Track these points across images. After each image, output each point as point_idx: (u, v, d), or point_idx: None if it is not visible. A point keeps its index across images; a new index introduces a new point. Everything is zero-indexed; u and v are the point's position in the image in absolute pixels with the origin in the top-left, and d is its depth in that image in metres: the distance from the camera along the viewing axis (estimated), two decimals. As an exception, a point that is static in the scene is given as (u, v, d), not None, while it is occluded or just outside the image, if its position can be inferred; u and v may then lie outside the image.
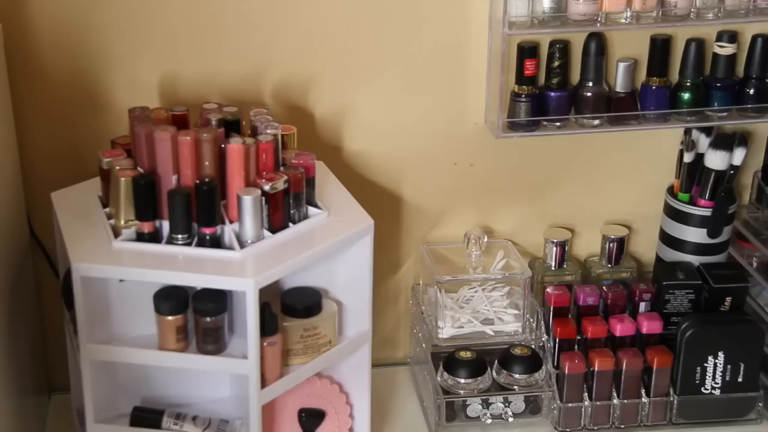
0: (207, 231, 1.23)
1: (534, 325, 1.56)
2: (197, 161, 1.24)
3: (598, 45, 1.51)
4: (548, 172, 1.64)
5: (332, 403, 1.42)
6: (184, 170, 1.23)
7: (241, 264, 1.21)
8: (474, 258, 1.60)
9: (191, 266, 1.21)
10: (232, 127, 1.32)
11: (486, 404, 1.52)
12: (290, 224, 1.28)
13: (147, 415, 1.32)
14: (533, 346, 1.55)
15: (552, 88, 1.52)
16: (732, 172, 1.57)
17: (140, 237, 1.24)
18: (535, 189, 1.64)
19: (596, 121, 1.54)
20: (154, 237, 1.24)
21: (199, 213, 1.23)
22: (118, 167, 1.24)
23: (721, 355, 1.50)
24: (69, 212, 1.30)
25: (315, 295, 1.34)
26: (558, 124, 1.54)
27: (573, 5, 1.44)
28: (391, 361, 1.72)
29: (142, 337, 1.28)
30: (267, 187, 1.24)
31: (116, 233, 1.24)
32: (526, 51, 1.49)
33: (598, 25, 1.47)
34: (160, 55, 1.46)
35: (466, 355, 1.54)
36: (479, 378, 1.53)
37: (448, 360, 1.54)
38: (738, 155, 1.56)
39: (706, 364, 1.51)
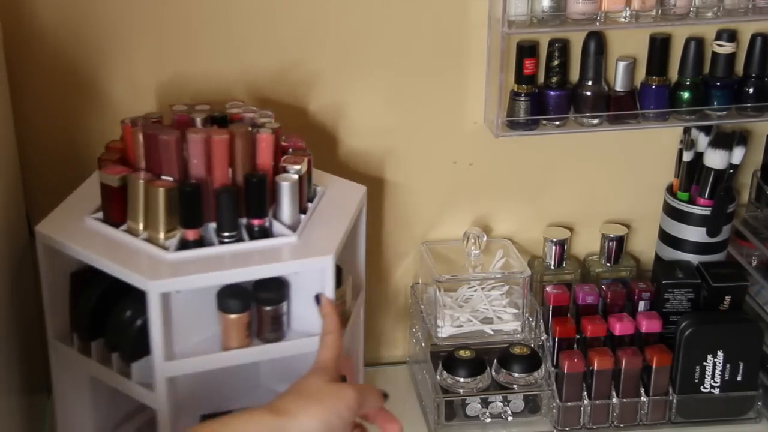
0: (256, 222, 1.24)
1: (533, 324, 1.56)
2: (236, 157, 1.23)
3: (597, 44, 1.51)
4: (547, 171, 1.64)
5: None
6: (220, 168, 1.23)
7: (305, 246, 1.24)
8: (473, 257, 1.60)
9: (260, 259, 1.21)
10: (221, 122, 1.32)
11: (485, 403, 1.52)
12: (308, 204, 1.33)
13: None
14: (532, 345, 1.55)
15: (551, 87, 1.52)
16: (731, 171, 1.57)
17: (186, 245, 1.22)
18: (534, 188, 1.64)
19: (595, 120, 1.54)
20: (200, 242, 1.23)
21: (249, 206, 1.24)
22: (142, 180, 1.21)
23: (720, 354, 1.50)
24: (83, 241, 1.24)
25: (337, 268, 1.33)
26: (557, 123, 1.54)
27: (572, 4, 1.44)
28: (390, 360, 1.72)
29: (199, 344, 1.27)
30: (293, 171, 1.27)
31: (155, 246, 1.21)
32: (526, 50, 1.49)
33: (598, 24, 1.47)
34: (160, 55, 1.46)
35: (465, 354, 1.54)
36: (478, 377, 1.53)
37: (448, 359, 1.54)
38: (737, 154, 1.56)
39: (705, 363, 1.51)
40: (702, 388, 1.52)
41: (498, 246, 1.63)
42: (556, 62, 1.51)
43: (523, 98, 1.51)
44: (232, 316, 1.25)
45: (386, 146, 1.58)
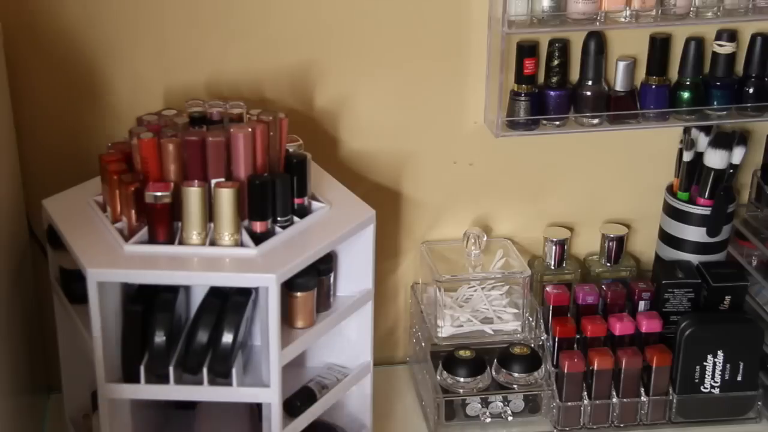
0: (297, 202, 1.28)
1: (533, 324, 1.56)
2: (268, 149, 1.26)
3: (597, 44, 1.50)
4: (547, 171, 1.64)
5: None
6: (245, 162, 1.23)
7: (348, 214, 1.30)
8: (473, 257, 1.60)
9: (327, 234, 1.27)
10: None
11: (485, 403, 1.52)
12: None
13: (302, 399, 1.34)
14: (532, 345, 1.55)
15: (551, 87, 1.52)
16: (731, 170, 1.57)
17: (256, 237, 1.23)
18: (534, 188, 1.64)
19: (595, 120, 1.54)
20: (267, 233, 1.24)
21: (293, 187, 1.28)
22: (193, 188, 1.19)
23: (720, 354, 1.50)
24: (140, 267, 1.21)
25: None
26: (557, 123, 1.54)
27: (572, 4, 1.44)
28: (391, 360, 1.72)
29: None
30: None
31: (217, 244, 1.22)
32: (526, 50, 1.49)
33: (598, 23, 1.47)
34: (161, 55, 1.46)
35: (465, 354, 1.54)
36: (478, 377, 1.53)
37: (448, 359, 1.54)
38: (737, 154, 1.56)
39: (705, 363, 1.51)
40: (702, 388, 1.52)
41: (498, 246, 1.63)
42: (556, 62, 1.51)
43: (523, 98, 1.51)
44: (304, 293, 1.27)
45: (386, 146, 1.58)
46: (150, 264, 1.19)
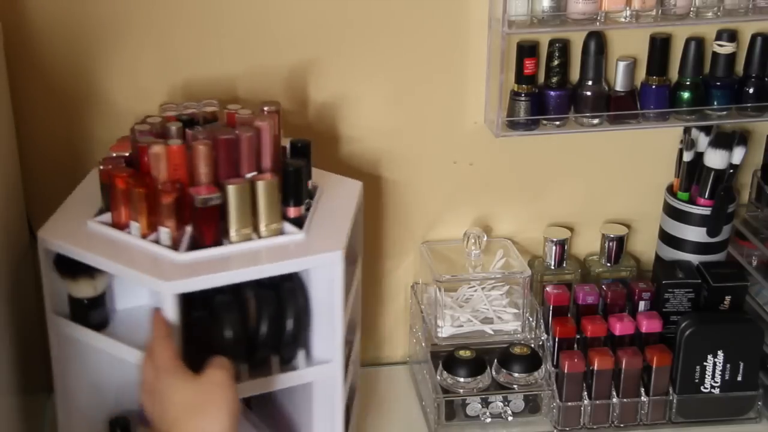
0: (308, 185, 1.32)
1: (533, 324, 1.56)
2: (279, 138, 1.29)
3: (597, 44, 1.50)
4: (547, 171, 1.64)
5: None
6: (272, 152, 1.26)
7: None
8: (473, 257, 1.60)
9: (345, 208, 1.31)
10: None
11: (485, 403, 1.52)
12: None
13: None
14: (532, 345, 1.55)
15: (551, 87, 1.52)
16: (731, 170, 1.57)
17: (293, 222, 1.25)
18: (534, 188, 1.64)
19: (596, 120, 1.54)
20: (300, 217, 1.26)
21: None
22: (232, 185, 1.19)
23: (720, 354, 1.50)
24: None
25: None
26: (557, 123, 1.54)
27: (572, 4, 1.44)
28: (391, 360, 1.72)
29: None
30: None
31: (263, 236, 1.23)
32: (526, 50, 1.49)
33: (598, 24, 1.47)
34: (161, 55, 1.46)
35: (465, 354, 1.54)
36: (478, 377, 1.53)
37: (448, 359, 1.54)
38: (737, 154, 1.56)
39: (705, 363, 1.51)
40: (702, 388, 1.52)
41: (498, 246, 1.63)
42: (556, 62, 1.51)
43: (523, 98, 1.51)
44: None
45: (386, 146, 1.58)
46: (218, 267, 1.18)
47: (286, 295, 1.23)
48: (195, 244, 1.20)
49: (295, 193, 1.25)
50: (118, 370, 1.29)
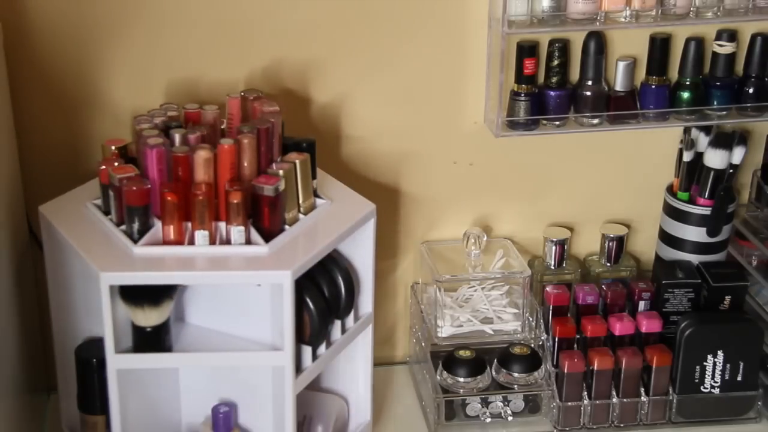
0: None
1: (533, 323, 1.56)
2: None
3: (597, 44, 1.50)
4: (547, 171, 1.64)
5: None
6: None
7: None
8: (473, 257, 1.60)
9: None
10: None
11: (485, 403, 1.52)
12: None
13: None
14: (532, 345, 1.55)
15: (551, 87, 1.52)
16: (731, 170, 1.57)
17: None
18: (534, 188, 1.64)
19: (595, 120, 1.54)
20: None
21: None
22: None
23: (720, 354, 1.50)
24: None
25: None
26: (557, 123, 1.54)
27: (572, 4, 1.44)
28: (390, 360, 1.72)
29: None
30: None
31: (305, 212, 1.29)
32: (526, 50, 1.49)
33: (598, 23, 1.47)
34: (161, 54, 1.46)
35: (465, 354, 1.54)
36: (478, 377, 1.53)
37: (448, 359, 1.54)
38: (737, 154, 1.56)
39: (705, 363, 1.51)
40: (702, 388, 1.52)
41: (498, 246, 1.63)
42: (556, 62, 1.51)
43: (523, 98, 1.51)
44: None
45: (386, 146, 1.58)
46: (310, 247, 1.24)
47: (340, 272, 1.33)
48: (265, 235, 1.22)
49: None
50: (173, 381, 1.35)
